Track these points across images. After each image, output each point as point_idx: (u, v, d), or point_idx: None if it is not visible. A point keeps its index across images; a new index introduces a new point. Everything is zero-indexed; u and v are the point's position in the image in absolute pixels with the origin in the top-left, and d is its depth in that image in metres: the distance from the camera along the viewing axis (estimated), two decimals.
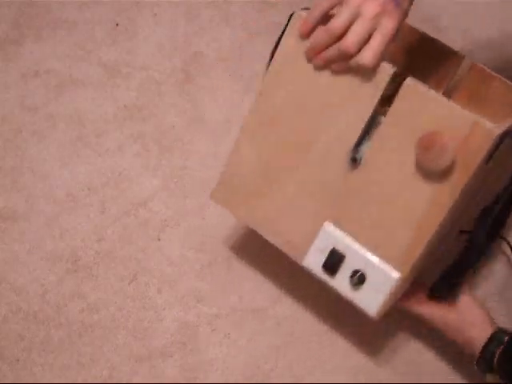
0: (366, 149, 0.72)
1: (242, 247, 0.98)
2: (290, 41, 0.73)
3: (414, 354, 0.93)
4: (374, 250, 0.73)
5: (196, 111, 1.02)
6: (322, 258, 0.76)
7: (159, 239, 0.99)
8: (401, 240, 0.71)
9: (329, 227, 0.75)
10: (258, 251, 0.97)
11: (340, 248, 0.75)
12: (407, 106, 0.68)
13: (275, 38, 1.02)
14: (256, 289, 0.96)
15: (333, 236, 0.75)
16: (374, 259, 0.73)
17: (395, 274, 0.72)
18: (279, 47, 0.74)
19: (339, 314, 0.95)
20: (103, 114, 1.02)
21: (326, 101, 0.72)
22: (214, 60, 1.03)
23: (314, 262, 0.77)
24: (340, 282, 0.76)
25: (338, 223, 0.75)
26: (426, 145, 0.66)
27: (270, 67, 0.75)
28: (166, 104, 1.02)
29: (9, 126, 1.02)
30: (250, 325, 0.94)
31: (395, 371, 0.93)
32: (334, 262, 0.75)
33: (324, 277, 0.77)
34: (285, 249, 0.79)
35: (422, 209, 0.69)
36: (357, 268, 0.74)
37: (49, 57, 1.04)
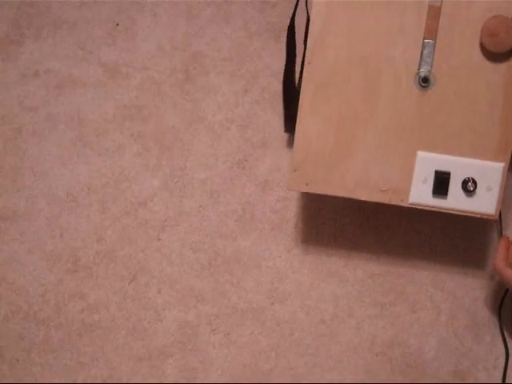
0: (430, 66, 0.77)
1: (241, 247, 0.98)
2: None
3: (415, 353, 0.93)
4: (472, 154, 0.78)
5: (196, 111, 1.02)
6: (429, 186, 0.79)
7: (159, 239, 0.99)
8: (491, 133, 0.77)
9: (423, 154, 0.79)
10: (257, 251, 0.97)
11: (442, 168, 0.79)
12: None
13: (275, 38, 1.02)
14: (256, 289, 0.96)
15: (430, 160, 0.79)
16: (476, 162, 0.78)
17: (499, 165, 0.78)
18: (312, 12, 0.78)
19: (339, 314, 0.95)
20: (103, 114, 1.02)
21: (378, 39, 0.77)
22: (214, 60, 1.03)
23: (420, 194, 0.80)
24: (454, 200, 0.79)
25: (427, 148, 0.79)
26: (492, 30, 0.73)
27: (310, 33, 0.79)
28: (166, 104, 1.02)
29: (9, 126, 1.02)
30: (249, 325, 0.94)
31: (395, 370, 0.93)
32: (442, 182, 0.79)
33: (436, 203, 0.80)
34: (386, 199, 0.81)
35: (501, 94, 0.76)
36: (465, 177, 0.78)
37: (49, 57, 1.04)
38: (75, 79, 1.03)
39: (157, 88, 1.02)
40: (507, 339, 0.93)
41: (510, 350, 0.93)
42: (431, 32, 0.77)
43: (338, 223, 0.97)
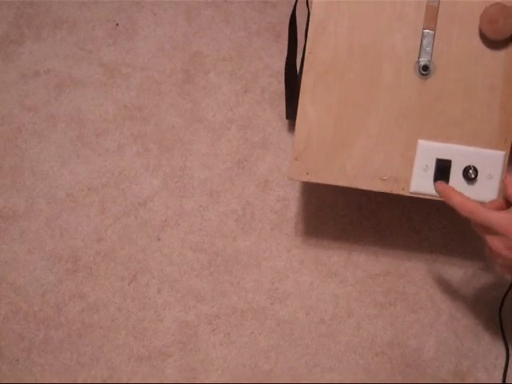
0: (430, 55, 0.78)
1: (241, 247, 0.98)
2: None
3: (415, 353, 0.93)
4: (472, 142, 0.78)
5: (196, 111, 1.02)
6: (430, 174, 0.79)
7: (159, 239, 0.99)
8: (492, 121, 0.78)
9: (424, 143, 0.79)
10: (257, 251, 0.97)
11: (443, 156, 0.79)
12: None
13: (275, 38, 1.02)
14: (257, 288, 0.96)
15: (431, 148, 0.79)
16: (477, 150, 0.78)
17: (500, 153, 0.78)
18: (314, 1, 0.79)
19: (339, 314, 0.95)
20: (103, 114, 1.02)
21: (378, 28, 0.78)
22: (214, 60, 1.03)
23: (422, 182, 0.80)
24: (455, 187, 0.79)
25: (428, 136, 0.79)
26: (491, 17, 0.74)
27: (311, 22, 0.78)
28: (166, 104, 1.02)
29: (9, 126, 1.02)
30: (249, 325, 0.95)
31: (395, 370, 0.93)
32: (443, 170, 0.79)
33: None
34: (387, 188, 0.80)
35: (501, 81, 0.76)
36: (466, 165, 0.78)
37: (49, 57, 1.04)
38: (75, 79, 1.03)
39: (157, 88, 1.02)
40: (507, 339, 0.93)
41: (510, 350, 0.93)
42: (430, 23, 0.77)
43: (338, 223, 0.97)
